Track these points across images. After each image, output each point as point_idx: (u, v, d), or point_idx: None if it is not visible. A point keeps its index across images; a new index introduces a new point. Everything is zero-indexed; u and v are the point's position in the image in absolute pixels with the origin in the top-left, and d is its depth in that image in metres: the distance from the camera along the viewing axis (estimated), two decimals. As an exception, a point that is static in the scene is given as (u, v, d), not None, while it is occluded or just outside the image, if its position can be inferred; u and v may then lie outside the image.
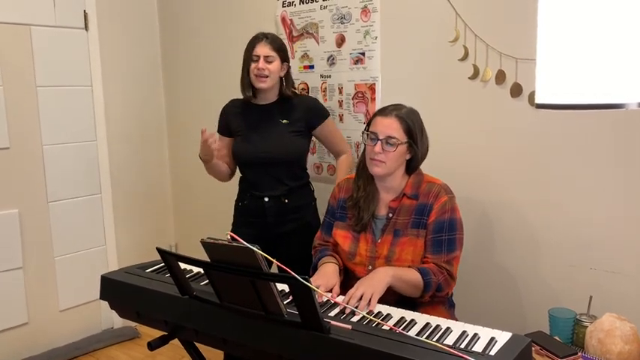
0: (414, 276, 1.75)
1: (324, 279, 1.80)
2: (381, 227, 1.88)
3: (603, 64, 1.04)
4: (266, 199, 2.31)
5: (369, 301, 1.62)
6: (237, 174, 2.49)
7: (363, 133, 1.89)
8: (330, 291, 1.76)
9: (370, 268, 1.86)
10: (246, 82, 2.30)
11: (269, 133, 2.30)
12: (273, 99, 2.34)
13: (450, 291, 1.85)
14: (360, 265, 1.89)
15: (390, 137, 1.80)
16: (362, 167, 1.94)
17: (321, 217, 2.40)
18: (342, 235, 1.94)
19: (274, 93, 2.33)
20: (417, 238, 1.82)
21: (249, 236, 2.32)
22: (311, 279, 1.79)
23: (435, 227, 1.82)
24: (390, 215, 1.88)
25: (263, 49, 2.25)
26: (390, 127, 1.80)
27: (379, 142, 1.80)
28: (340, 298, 1.66)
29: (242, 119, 2.36)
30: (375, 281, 1.68)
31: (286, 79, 2.34)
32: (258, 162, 2.30)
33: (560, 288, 2.10)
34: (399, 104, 1.89)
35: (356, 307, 1.59)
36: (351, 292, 1.65)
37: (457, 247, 1.84)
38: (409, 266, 1.80)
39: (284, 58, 2.31)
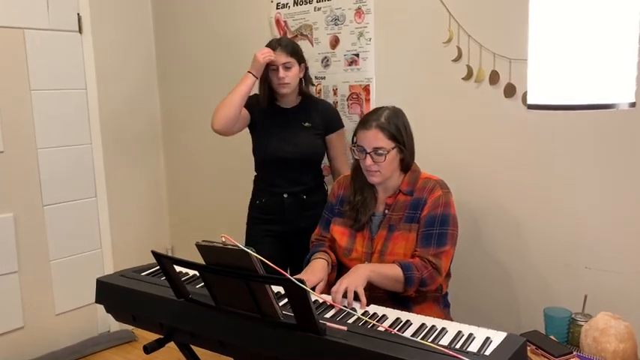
0: (393, 271, 1.77)
1: (310, 275, 1.83)
2: (377, 223, 1.91)
3: (594, 65, 1.04)
4: (285, 196, 2.38)
5: (359, 296, 1.64)
6: (247, 172, 2.54)
7: (351, 148, 1.91)
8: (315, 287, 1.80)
9: (366, 264, 1.87)
10: (266, 90, 2.34)
11: (293, 134, 2.37)
12: (295, 102, 2.41)
13: (435, 286, 1.85)
14: (356, 261, 1.90)
15: (376, 148, 1.82)
16: (357, 172, 1.95)
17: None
18: (339, 232, 1.96)
19: (295, 95, 2.40)
20: (410, 232, 1.84)
21: (267, 232, 2.41)
22: (298, 275, 1.81)
23: (427, 221, 1.83)
24: (386, 212, 1.90)
25: (280, 58, 2.27)
26: (374, 138, 1.82)
27: (368, 155, 1.83)
28: (356, 304, 1.66)
29: (266, 117, 2.40)
30: (355, 276, 1.71)
31: (305, 79, 2.41)
32: (283, 161, 2.36)
33: (556, 287, 2.11)
34: (379, 110, 1.90)
35: (344, 305, 1.61)
36: (334, 288, 1.68)
37: (447, 241, 1.83)
38: (393, 261, 1.81)
39: (300, 60, 2.35)
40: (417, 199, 1.86)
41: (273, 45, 2.31)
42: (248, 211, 2.53)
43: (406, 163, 1.90)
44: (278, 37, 2.79)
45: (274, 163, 2.39)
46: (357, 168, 1.95)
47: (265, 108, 2.39)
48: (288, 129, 2.37)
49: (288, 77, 2.28)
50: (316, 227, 2.29)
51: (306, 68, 2.40)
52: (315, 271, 1.86)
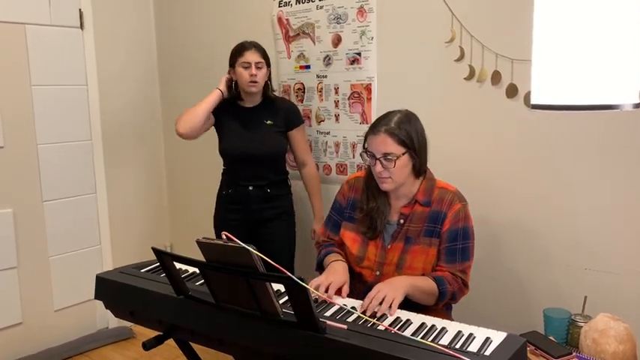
0: (429, 285, 1.74)
1: (335, 276, 1.77)
2: (392, 233, 1.86)
3: (598, 65, 1.04)
4: (250, 188, 2.52)
5: (393, 306, 1.59)
6: (217, 165, 2.65)
7: (361, 153, 1.86)
8: (341, 289, 1.73)
9: (378, 273, 1.85)
10: (232, 88, 2.53)
11: (256, 133, 2.51)
12: (258, 101, 2.55)
13: (461, 298, 1.84)
14: (367, 269, 1.88)
15: (385, 154, 1.76)
16: (370, 177, 1.89)
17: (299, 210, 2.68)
18: (350, 238, 1.92)
19: (259, 95, 2.54)
20: (430, 247, 1.80)
21: (233, 222, 2.52)
22: (321, 276, 1.78)
23: (450, 236, 1.80)
24: (402, 222, 1.84)
25: (253, 56, 2.45)
26: (382, 144, 1.76)
27: (377, 161, 1.78)
28: (357, 303, 1.64)
29: (230, 118, 2.55)
30: (396, 286, 1.65)
31: (270, 82, 2.56)
32: (248, 158, 2.50)
33: (555, 288, 2.11)
34: (390, 114, 1.83)
35: (376, 311, 1.56)
36: (371, 294, 1.62)
37: (470, 255, 1.83)
38: (423, 274, 1.79)
39: (268, 64, 2.52)
40: (436, 212, 1.81)
41: (247, 46, 2.47)
42: (216, 200, 2.66)
43: (418, 169, 1.84)
44: (279, 34, 2.80)
45: (241, 161, 2.53)
46: (370, 173, 1.89)
47: (229, 108, 2.54)
48: (252, 128, 2.51)
49: (259, 76, 2.44)
50: (278, 217, 2.54)
51: (270, 74, 2.55)
52: (339, 273, 1.80)
